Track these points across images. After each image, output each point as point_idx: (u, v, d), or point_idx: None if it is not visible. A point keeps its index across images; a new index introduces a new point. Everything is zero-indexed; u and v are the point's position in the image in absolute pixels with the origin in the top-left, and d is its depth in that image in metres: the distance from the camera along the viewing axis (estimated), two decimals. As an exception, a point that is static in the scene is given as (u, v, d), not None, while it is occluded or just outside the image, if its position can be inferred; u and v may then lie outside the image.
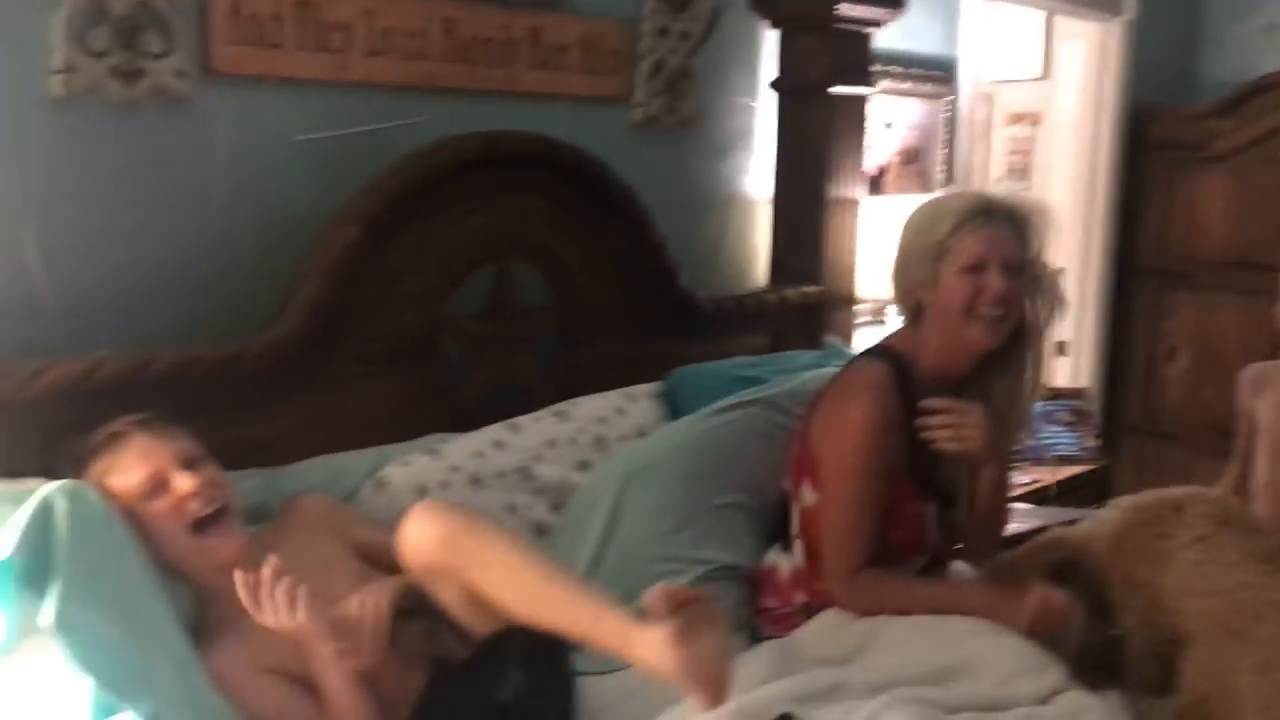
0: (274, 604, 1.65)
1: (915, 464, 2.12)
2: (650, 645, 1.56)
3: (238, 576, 1.66)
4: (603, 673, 1.91)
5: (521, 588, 1.66)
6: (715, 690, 1.57)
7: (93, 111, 1.99)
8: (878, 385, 2.09)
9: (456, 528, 1.70)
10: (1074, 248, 4.38)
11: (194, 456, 1.75)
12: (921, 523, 2.15)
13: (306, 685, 1.73)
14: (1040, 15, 4.59)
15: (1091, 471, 3.52)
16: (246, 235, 2.20)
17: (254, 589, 1.65)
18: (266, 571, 1.65)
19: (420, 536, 1.71)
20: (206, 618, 1.77)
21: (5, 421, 1.78)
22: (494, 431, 2.30)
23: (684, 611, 1.56)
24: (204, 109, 2.12)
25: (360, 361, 2.24)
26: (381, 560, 1.88)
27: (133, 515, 1.69)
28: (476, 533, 1.71)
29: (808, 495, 2.16)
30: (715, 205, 3.02)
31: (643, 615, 1.59)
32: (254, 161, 2.20)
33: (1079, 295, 4.35)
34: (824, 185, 2.93)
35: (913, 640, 1.93)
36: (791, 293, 2.92)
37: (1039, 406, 3.50)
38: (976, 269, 2.03)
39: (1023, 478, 3.26)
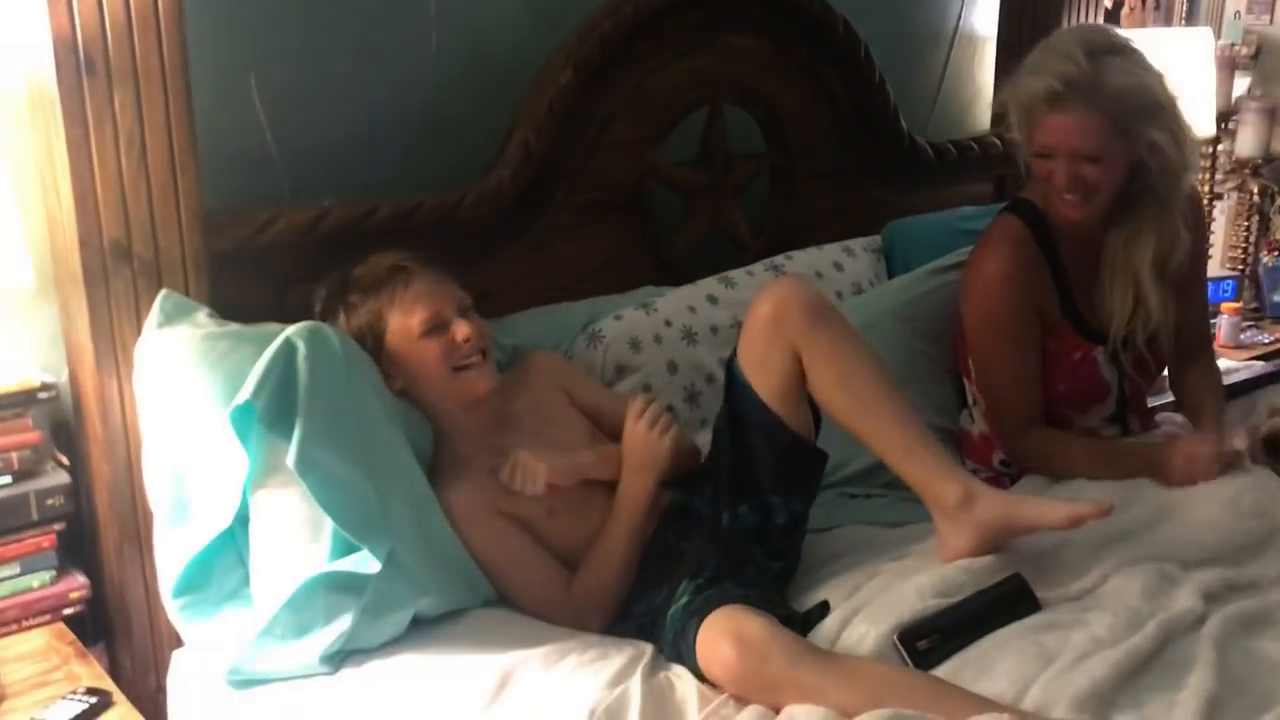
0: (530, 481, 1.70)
1: (1069, 310, 2.00)
2: (976, 494, 1.58)
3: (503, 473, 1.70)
4: (827, 530, 1.89)
5: (856, 389, 1.65)
6: (979, 549, 1.58)
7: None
8: (1009, 237, 1.98)
9: (826, 306, 1.70)
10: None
11: (466, 304, 1.78)
12: (1092, 369, 2.02)
13: (536, 538, 1.74)
14: None
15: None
16: (462, 82, 2.15)
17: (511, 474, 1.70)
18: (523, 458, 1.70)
19: (790, 294, 1.69)
20: (444, 457, 1.79)
21: (239, 268, 1.81)
22: (707, 285, 2.23)
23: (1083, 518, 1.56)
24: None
25: (572, 211, 2.19)
26: (606, 425, 1.88)
27: (399, 349, 1.72)
28: (840, 320, 1.70)
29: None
30: (937, 42, 2.80)
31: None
32: (466, 8, 2.13)
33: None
34: (1057, 19, 2.67)
35: (1125, 482, 1.85)
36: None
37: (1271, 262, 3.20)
38: (1046, 155, 1.90)
39: (1262, 337, 2.99)
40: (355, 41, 2.03)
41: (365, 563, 1.55)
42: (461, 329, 1.73)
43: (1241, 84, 5.39)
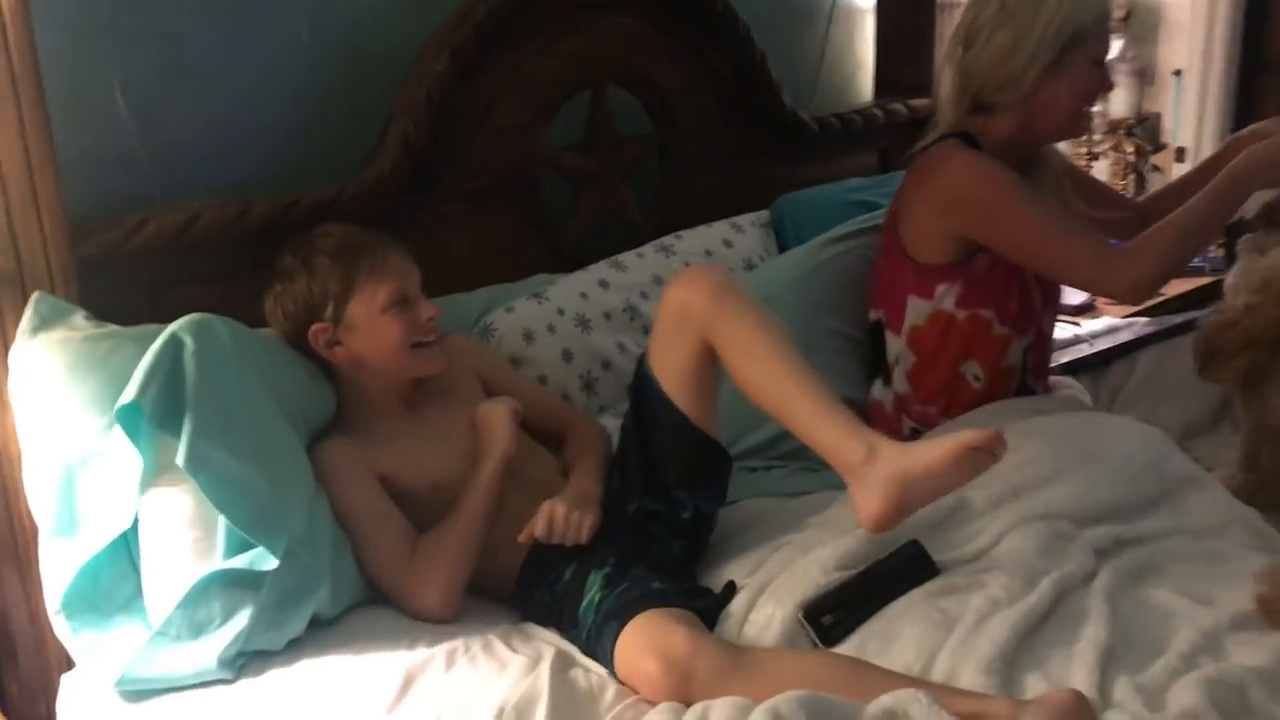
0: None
1: None
2: (879, 448, 1.52)
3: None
4: (732, 502, 1.87)
5: (766, 361, 1.62)
6: (890, 515, 1.52)
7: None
8: (960, 148, 1.95)
9: (732, 286, 1.68)
10: (1194, 46, 4.04)
11: (420, 287, 1.79)
12: (1030, 295, 2.02)
13: (415, 510, 1.72)
14: None
15: (1217, 282, 3.29)
16: (336, 74, 2.08)
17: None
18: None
19: (696, 280, 1.67)
20: (341, 425, 1.77)
21: (110, 274, 1.74)
22: (598, 270, 2.20)
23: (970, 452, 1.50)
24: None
25: (458, 200, 2.15)
26: (529, 415, 1.86)
27: (360, 319, 1.71)
28: (747, 298, 1.67)
29: (917, 312, 2.03)
30: (817, 16, 2.80)
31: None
32: (336, -3, 2.07)
33: (1199, 97, 4.03)
34: (931, -10, 2.70)
35: (1024, 442, 1.80)
36: (900, 107, 2.72)
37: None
38: (1098, 63, 1.94)
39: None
40: (220, 35, 1.95)
41: (262, 559, 1.51)
42: (427, 308, 1.75)
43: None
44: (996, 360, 2.03)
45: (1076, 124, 2.05)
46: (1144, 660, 1.41)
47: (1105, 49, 1.97)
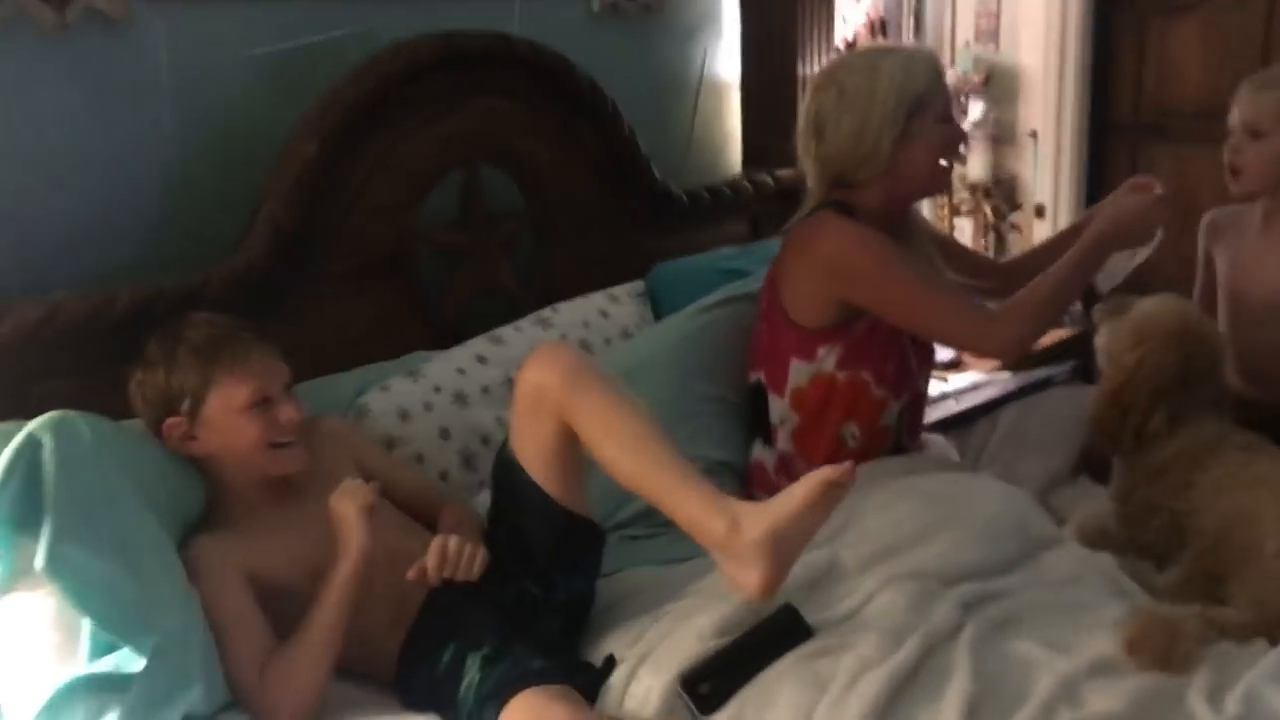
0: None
1: None
2: (740, 516, 1.52)
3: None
4: (610, 574, 1.89)
5: (623, 439, 1.62)
6: (774, 578, 1.51)
7: (24, 39, 1.85)
8: (836, 217, 2.02)
9: (585, 365, 1.68)
10: (1047, 108, 4.25)
11: (288, 382, 1.76)
12: (907, 356, 2.10)
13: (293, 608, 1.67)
14: None
15: (1077, 335, 3.44)
16: (202, 160, 2.07)
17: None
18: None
19: (548, 362, 1.68)
20: (213, 518, 1.73)
21: (-34, 372, 1.69)
22: (476, 345, 2.21)
23: (828, 488, 1.51)
24: (142, 30, 1.98)
25: (332, 282, 2.14)
26: (397, 495, 1.84)
27: (217, 417, 1.68)
28: (600, 377, 1.67)
29: (800, 373, 2.08)
30: (685, 92, 2.88)
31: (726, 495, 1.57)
32: (201, 82, 2.06)
33: (1054, 156, 4.23)
34: (793, 63, 2.79)
35: (896, 502, 1.89)
36: (767, 178, 2.81)
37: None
38: (950, 116, 2.05)
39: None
40: (83, 123, 1.93)
41: (129, 660, 1.47)
42: (287, 410, 1.72)
43: (977, 109, 5.75)
44: (874, 421, 2.10)
45: (938, 180, 2.14)
46: (1007, 711, 1.45)
47: (947, 104, 2.06)
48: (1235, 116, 2.11)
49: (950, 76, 5.62)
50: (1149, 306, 1.93)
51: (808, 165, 2.09)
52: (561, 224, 2.46)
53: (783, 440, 2.12)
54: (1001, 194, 3.40)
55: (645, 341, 2.29)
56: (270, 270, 2.02)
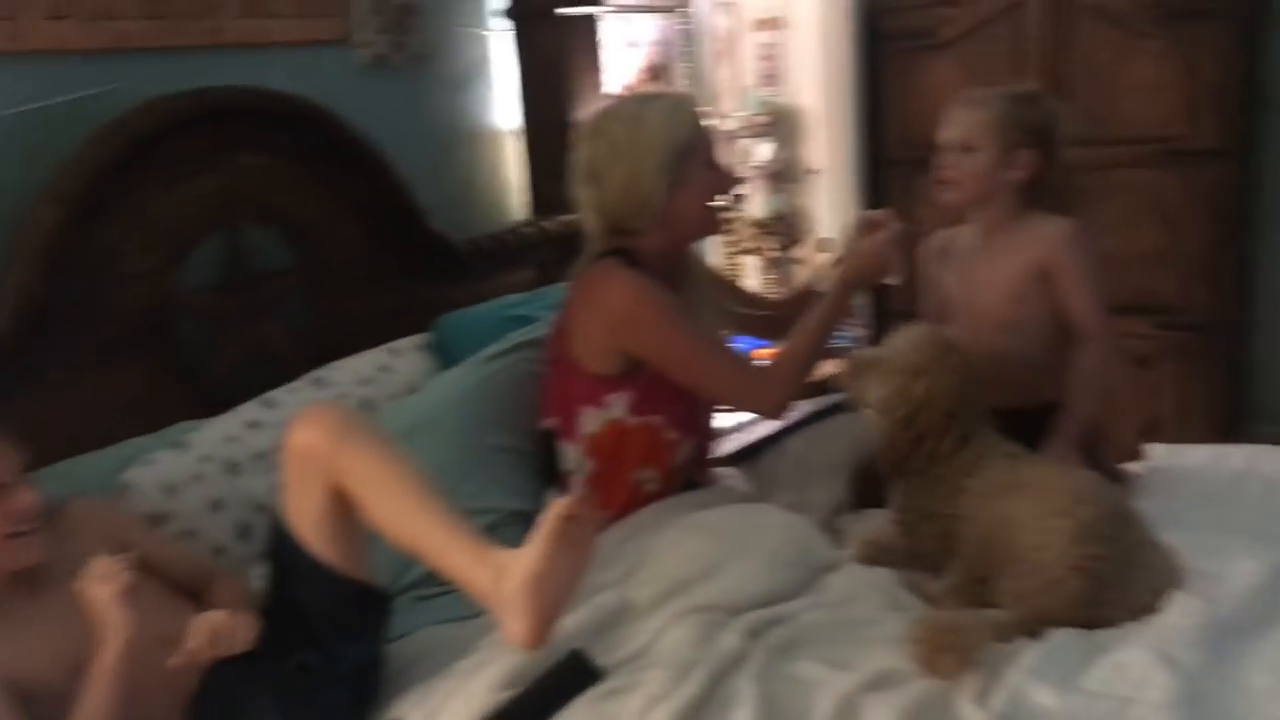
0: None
1: None
2: (504, 565, 1.51)
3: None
4: (403, 636, 1.84)
5: (391, 498, 1.59)
6: (538, 624, 1.50)
7: None
8: (619, 268, 2.03)
9: (352, 422, 1.65)
10: (827, 146, 4.42)
11: (21, 467, 1.65)
12: (696, 398, 2.12)
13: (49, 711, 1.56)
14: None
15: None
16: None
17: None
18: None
19: (313, 422, 1.63)
20: None
21: None
22: (247, 411, 2.12)
23: (563, 523, 1.51)
24: None
25: (89, 352, 2.03)
26: (167, 575, 1.75)
27: None
28: (368, 434, 1.64)
29: (591, 420, 2.08)
30: (462, 141, 2.86)
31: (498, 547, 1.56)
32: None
33: (835, 192, 4.39)
34: (567, 109, 2.81)
35: (687, 538, 1.90)
36: (551, 223, 2.81)
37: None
38: (716, 161, 2.10)
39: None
40: None
41: None
42: (23, 498, 1.61)
43: (765, 149, 5.93)
44: (667, 462, 2.11)
45: (711, 223, 2.19)
46: (791, 733, 1.47)
47: (712, 149, 2.11)
48: (947, 134, 2.22)
49: (738, 119, 5.80)
50: (910, 339, 1.98)
51: (585, 213, 2.10)
52: (336, 280, 2.40)
53: (577, 488, 2.11)
54: (783, 230, 3.50)
55: (430, 395, 2.25)
56: (20, 342, 1.91)
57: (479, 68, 2.89)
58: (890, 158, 4.29)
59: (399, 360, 2.36)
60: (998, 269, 2.22)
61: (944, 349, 1.95)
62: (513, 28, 2.83)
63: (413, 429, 2.12)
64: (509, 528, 2.09)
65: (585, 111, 2.85)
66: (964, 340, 1.99)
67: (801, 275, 3.65)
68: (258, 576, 1.86)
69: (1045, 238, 2.19)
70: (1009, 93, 2.22)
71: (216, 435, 2.05)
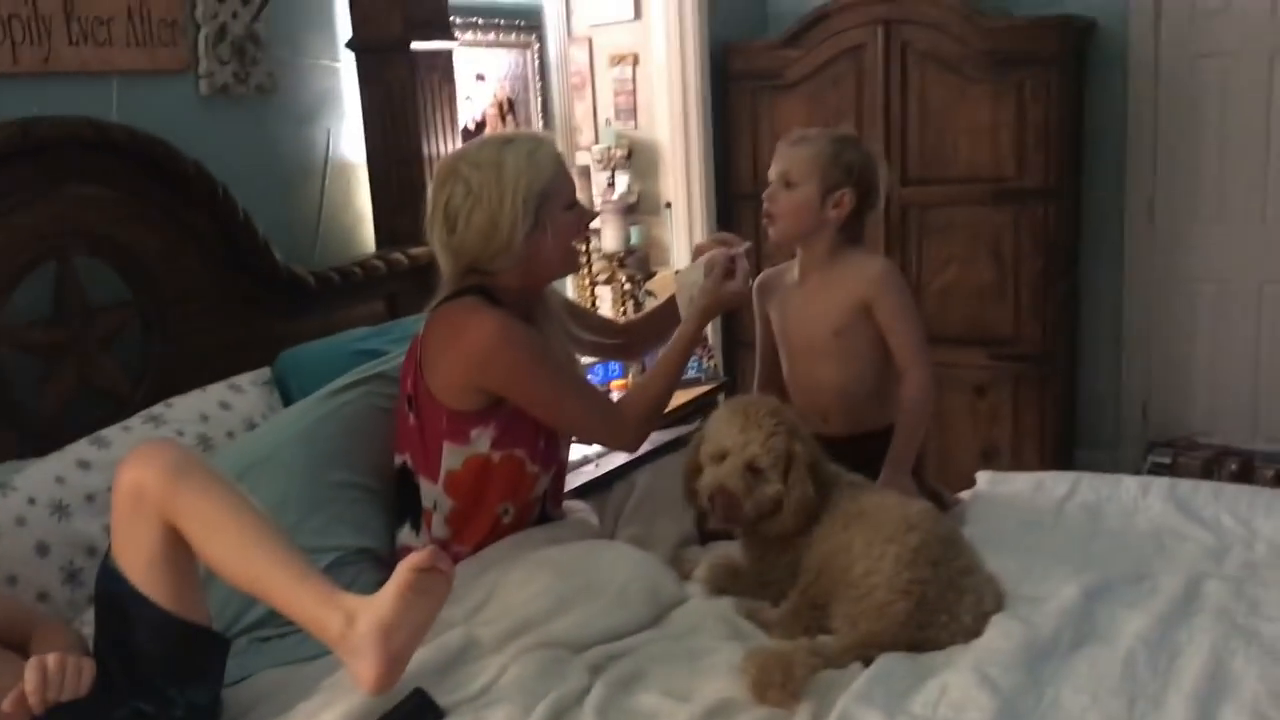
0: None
1: None
2: (353, 611, 1.50)
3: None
4: (241, 680, 1.80)
5: (230, 538, 1.55)
6: (386, 671, 1.49)
7: None
8: (480, 306, 2.03)
9: (186, 460, 1.60)
10: (680, 181, 4.49)
11: None
12: (554, 433, 2.14)
13: None
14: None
15: (714, 390, 3.62)
16: None
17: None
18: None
19: (145, 459, 1.59)
20: None
21: None
22: (77, 450, 2.04)
23: (418, 575, 1.50)
24: None
25: (-98, 393, 1.93)
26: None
27: None
28: (203, 471, 1.60)
29: (453, 456, 2.06)
30: (310, 172, 2.83)
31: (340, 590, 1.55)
32: None
33: (687, 224, 4.47)
34: (417, 143, 2.80)
35: (535, 576, 1.91)
36: (400, 256, 2.78)
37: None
38: (575, 202, 2.12)
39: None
40: None
41: None
42: None
43: (622, 181, 6.00)
44: (526, 496, 2.12)
45: (571, 263, 2.23)
46: (631, 765, 1.48)
47: (572, 190, 2.13)
48: (772, 169, 2.32)
49: (596, 152, 5.86)
50: (753, 404, 2.01)
51: (440, 254, 2.09)
52: (175, 315, 2.33)
53: (437, 525, 2.09)
54: (636, 263, 3.54)
55: (271, 431, 2.20)
56: None
57: (327, 100, 2.86)
58: (740, 192, 4.40)
59: (239, 396, 2.31)
60: (820, 304, 2.31)
61: (769, 412, 1.99)
62: (358, 60, 2.81)
63: (251, 466, 2.08)
64: (354, 565, 2.07)
65: (439, 149, 2.85)
66: (773, 400, 2.04)
67: (654, 305, 3.70)
68: (87, 622, 1.79)
69: (863, 275, 2.29)
70: (831, 134, 2.32)
71: (44, 476, 1.97)
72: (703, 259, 2.26)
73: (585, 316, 2.50)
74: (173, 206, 2.32)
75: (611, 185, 5.75)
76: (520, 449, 2.08)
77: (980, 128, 3.96)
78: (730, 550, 2.09)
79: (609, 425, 2.13)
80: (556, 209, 2.07)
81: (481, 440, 2.06)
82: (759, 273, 2.47)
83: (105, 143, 2.17)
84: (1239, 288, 4.20)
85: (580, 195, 2.21)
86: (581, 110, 5.96)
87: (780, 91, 4.25)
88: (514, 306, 2.07)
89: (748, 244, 2.21)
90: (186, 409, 2.21)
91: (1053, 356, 4.05)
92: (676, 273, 2.47)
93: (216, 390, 2.29)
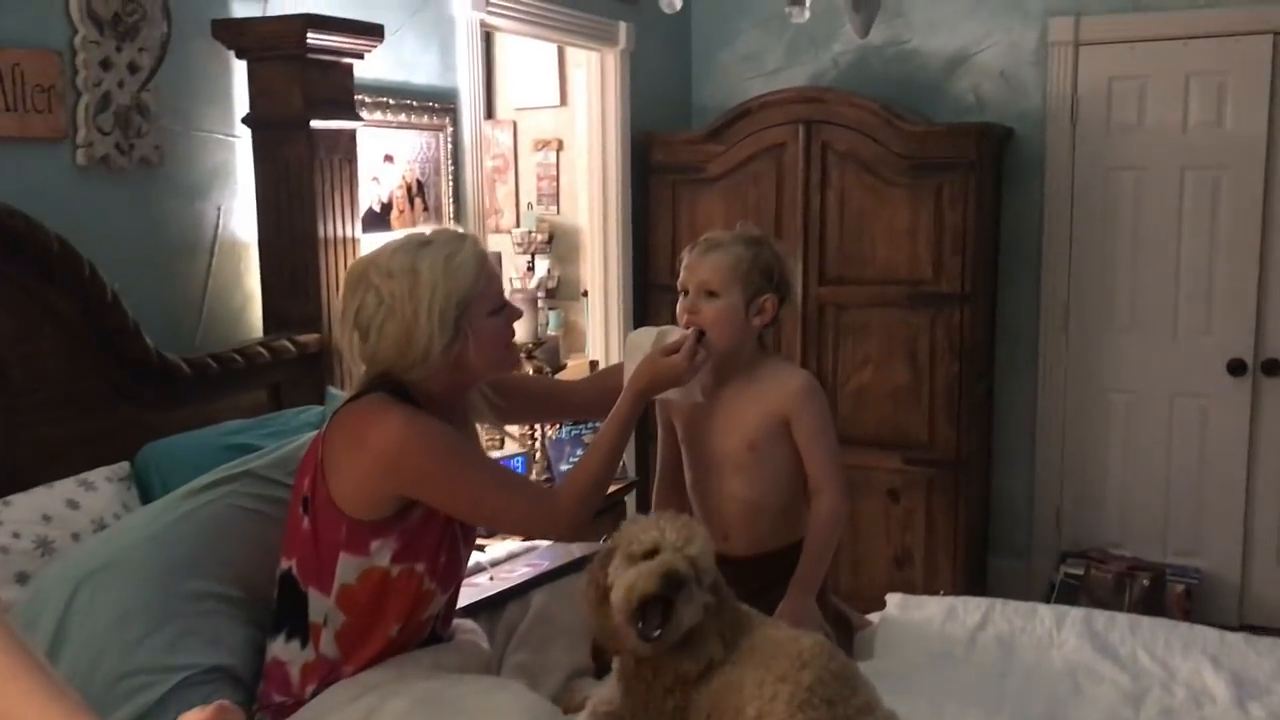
0: None
1: None
2: None
3: None
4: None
5: None
6: None
7: None
8: (388, 403, 1.86)
9: None
10: (598, 268, 4.37)
11: None
12: (457, 546, 1.97)
13: None
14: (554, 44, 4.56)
15: (621, 489, 3.46)
16: None
17: None
18: None
19: None
20: None
21: None
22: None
23: None
24: None
25: None
26: None
27: None
28: None
29: (348, 569, 1.86)
30: (195, 251, 2.62)
31: None
32: None
33: (603, 313, 4.33)
34: (313, 224, 2.62)
35: (414, 712, 1.73)
36: (288, 344, 2.58)
37: (565, 432, 3.40)
38: (503, 306, 1.97)
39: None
40: None
41: None
42: None
43: (543, 266, 5.87)
44: (420, 614, 1.92)
45: (503, 363, 2.03)
46: None
47: (497, 294, 1.97)
48: (687, 278, 2.17)
49: (516, 235, 5.72)
50: (672, 514, 1.84)
51: (351, 359, 1.92)
52: (25, 403, 2.10)
53: (326, 643, 1.88)
54: (546, 354, 3.38)
55: (119, 534, 1.96)
56: None
57: (219, 175, 2.67)
58: (657, 282, 4.28)
59: (90, 494, 2.07)
60: (735, 415, 2.16)
61: (693, 522, 1.81)
62: (254, 135, 2.64)
63: (92, 573, 1.85)
64: (206, 685, 1.84)
65: (337, 230, 2.68)
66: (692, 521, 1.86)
67: (604, 368, 3.54)
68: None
69: (784, 387, 2.14)
70: (742, 236, 2.18)
71: None
72: (657, 328, 2.13)
73: (516, 385, 2.26)
74: (29, 284, 2.10)
75: (531, 269, 5.63)
76: (420, 563, 1.89)
77: (898, 229, 3.90)
78: (614, 691, 1.89)
79: (541, 512, 1.93)
80: (479, 316, 1.91)
81: (382, 553, 1.86)
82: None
83: (-49, 215, 1.96)
84: (1150, 398, 4.17)
85: (507, 301, 2.03)
86: (503, 193, 5.85)
87: (701, 185, 4.16)
88: (434, 402, 1.91)
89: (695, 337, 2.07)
90: (27, 507, 1.98)
91: (967, 462, 3.96)
92: (627, 336, 2.31)
93: (65, 487, 2.05)
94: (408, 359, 1.88)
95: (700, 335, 2.08)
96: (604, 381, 2.33)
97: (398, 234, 2.96)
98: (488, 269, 1.96)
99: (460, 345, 1.90)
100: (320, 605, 1.89)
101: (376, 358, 1.90)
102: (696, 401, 2.15)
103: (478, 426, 2.23)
